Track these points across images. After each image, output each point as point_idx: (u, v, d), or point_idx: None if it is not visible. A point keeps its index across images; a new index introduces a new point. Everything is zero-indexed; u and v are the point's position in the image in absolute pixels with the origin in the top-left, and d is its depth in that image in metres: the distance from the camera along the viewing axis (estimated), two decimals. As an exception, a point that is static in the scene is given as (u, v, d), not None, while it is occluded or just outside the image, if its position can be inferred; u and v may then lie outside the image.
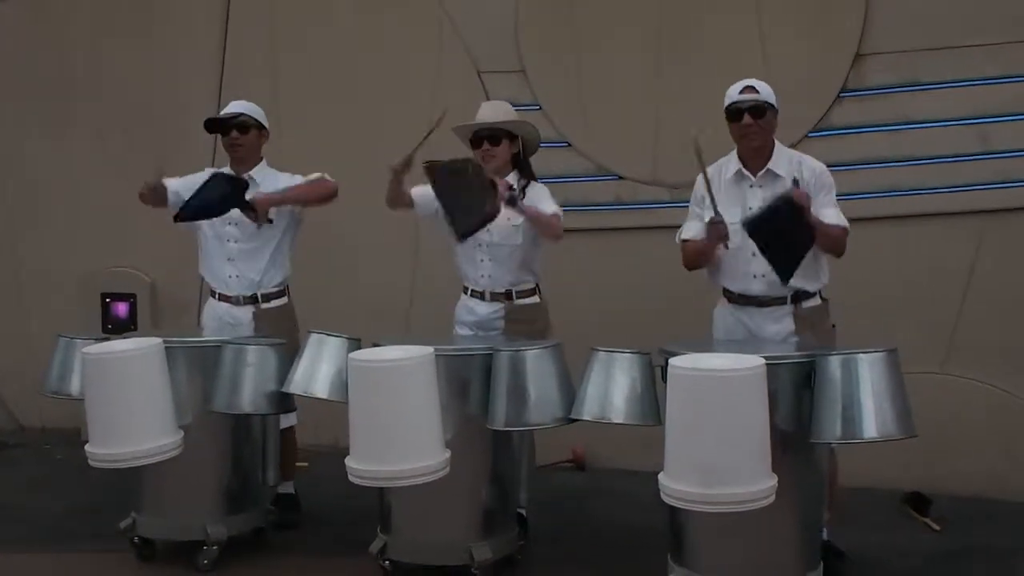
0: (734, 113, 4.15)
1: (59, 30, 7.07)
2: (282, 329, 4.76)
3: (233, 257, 4.92)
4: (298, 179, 4.95)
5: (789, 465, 3.54)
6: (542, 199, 4.61)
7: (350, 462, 3.77)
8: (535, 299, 4.76)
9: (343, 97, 6.51)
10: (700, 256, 4.25)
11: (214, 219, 4.84)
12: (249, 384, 4.30)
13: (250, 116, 4.97)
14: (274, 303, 4.95)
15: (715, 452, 3.29)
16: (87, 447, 4.17)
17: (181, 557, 4.47)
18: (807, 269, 4.04)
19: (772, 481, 3.36)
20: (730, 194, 4.18)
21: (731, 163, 4.24)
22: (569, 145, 6.07)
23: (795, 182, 4.04)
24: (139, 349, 4.24)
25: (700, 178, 4.17)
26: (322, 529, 4.95)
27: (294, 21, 6.67)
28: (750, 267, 4.14)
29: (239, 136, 4.92)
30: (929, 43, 5.42)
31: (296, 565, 4.53)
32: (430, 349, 3.82)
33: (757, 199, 4.12)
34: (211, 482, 4.50)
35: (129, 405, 4.15)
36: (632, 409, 3.80)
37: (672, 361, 3.44)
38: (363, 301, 6.13)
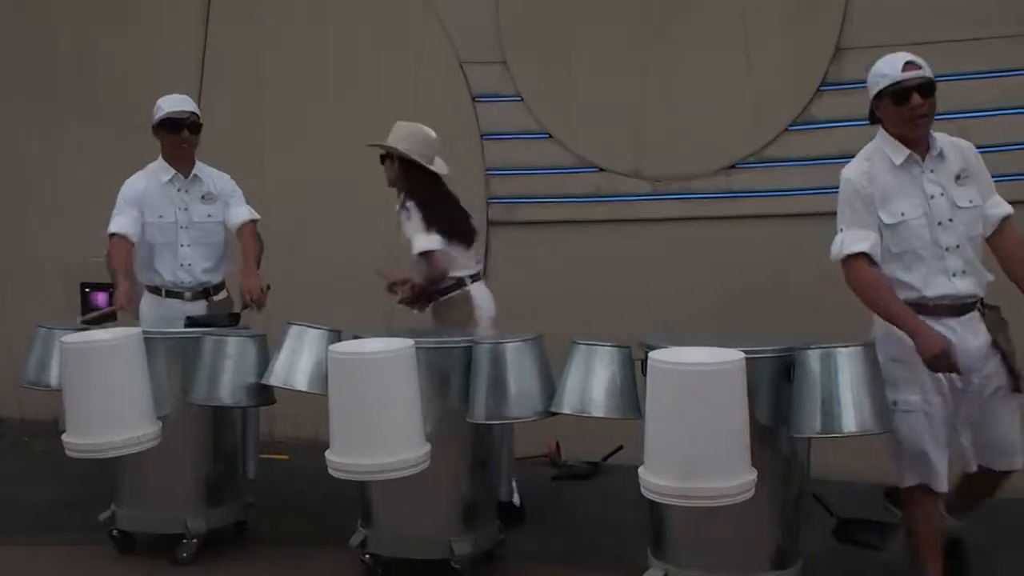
0: (900, 94, 3.62)
1: (43, 21, 7.03)
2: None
3: (186, 252, 4.96)
4: (229, 180, 5.08)
5: (768, 459, 3.55)
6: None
7: (330, 455, 3.75)
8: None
9: (325, 89, 6.49)
10: (880, 299, 3.62)
11: (163, 218, 4.91)
12: (229, 376, 4.28)
13: (199, 116, 4.97)
14: (222, 295, 5.01)
15: (694, 446, 3.28)
16: (64, 437, 4.13)
17: (161, 550, 4.46)
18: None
19: (752, 475, 3.37)
20: (904, 184, 3.69)
21: (892, 151, 3.71)
22: (550, 137, 6.07)
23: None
24: (117, 339, 4.21)
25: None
26: (303, 522, 4.95)
27: (276, 15, 6.64)
28: (946, 262, 3.67)
29: (191, 136, 4.91)
30: (909, 38, 5.40)
31: (277, 558, 4.52)
32: (410, 341, 3.81)
33: (934, 185, 3.67)
34: (190, 474, 4.49)
35: (107, 394, 4.11)
36: (612, 403, 3.79)
37: (652, 355, 3.44)
38: (343, 292, 6.12)
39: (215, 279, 5.07)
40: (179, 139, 4.90)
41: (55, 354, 4.46)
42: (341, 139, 5.99)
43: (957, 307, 3.65)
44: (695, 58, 5.60)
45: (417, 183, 4.85)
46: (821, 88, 5.60)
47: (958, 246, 3.65)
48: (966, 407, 3.69)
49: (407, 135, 4.90)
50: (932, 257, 3.65)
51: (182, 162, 4.97)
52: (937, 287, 3.64)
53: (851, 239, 3.66)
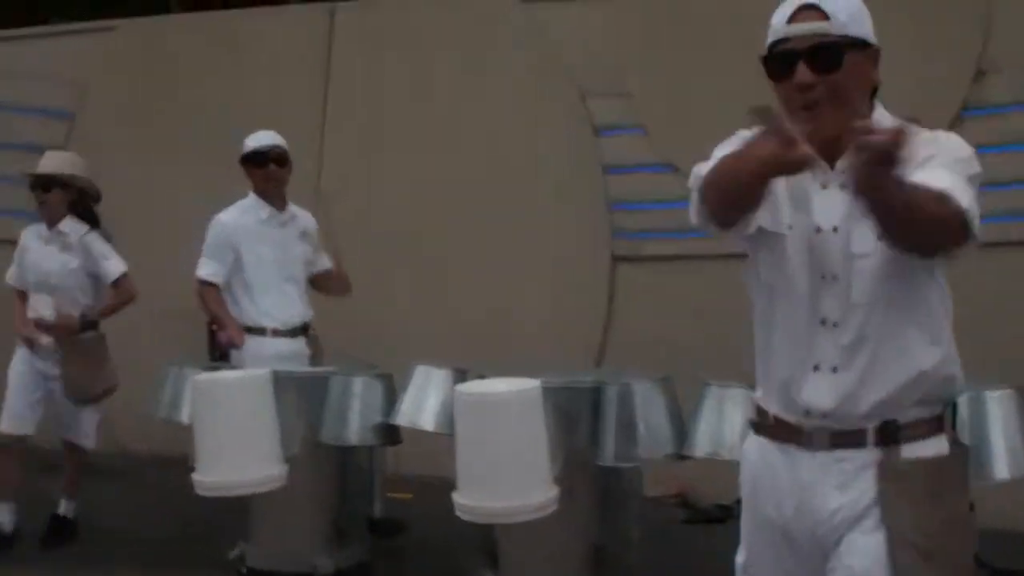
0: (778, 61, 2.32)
1: (167, 60, 7.24)
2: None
3: (287, 289, 4.98)
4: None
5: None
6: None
7: (457, 497, 3.69)
8: None
9: (445, 126, 6.50)
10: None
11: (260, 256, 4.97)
12: (356, 415, 4.29)
13: (284, 149, 4.98)
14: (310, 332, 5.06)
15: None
16: (194, 475, 4.19)
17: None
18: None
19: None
20: None
21: None
22: (675, 169, 5.96)
23: None
24: (248, 378, 4.27)
25: None
26: (426, 562, 4.90)
27: (395, 53, 6.70)
28: None
29: (277, 169, 4.94)
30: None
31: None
32: (536, 382, 3.74)
33: None
34: (318, 513, 4.50)
35: (236, 433, 4.16)
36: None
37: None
38: (462, 327, 6.09)
39: (308, 316, 5.04)
40: (265, 172, 4.93)
41: (186, 391, 4.54)
42: (459, 177, 5.99)
43: None
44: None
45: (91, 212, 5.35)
46: (962, 113, 5.36)
47: None
48: None
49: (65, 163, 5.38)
50: None
51: (274, 197, 4.98)
52: None
53: None
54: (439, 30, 6.68)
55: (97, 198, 5.49)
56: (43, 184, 5.31)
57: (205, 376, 4.31)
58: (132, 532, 5.48)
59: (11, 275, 5.52)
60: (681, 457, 3.83)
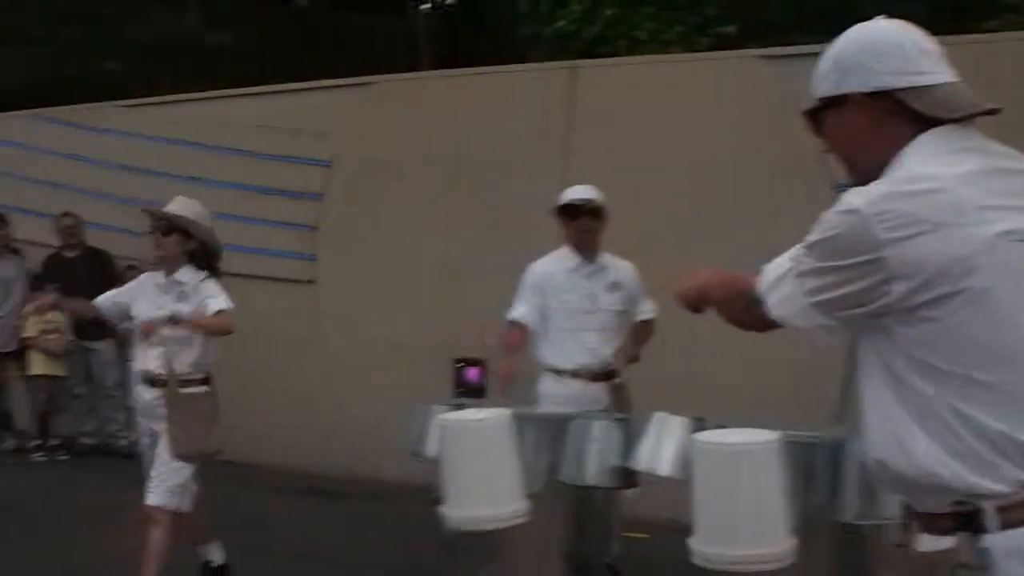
0: None
1: (420, 114, 7.66)
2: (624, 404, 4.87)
3: (590, 337, 5.10)
4: (634, 274, 5.33)
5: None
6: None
7: (694, 544, 3.75)
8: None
9: (690, 177, 6.60)
10: None
11: (567, 304, 5.12)
12: (594, 457, 4.42)
13: (599, 204, 5.11)
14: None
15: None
16: (443, 509, 4.39)
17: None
18: None
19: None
20: None
21: None
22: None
23: None
24: (490, 418, 4.45)
25: None
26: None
27: (635, 108, 6.86)
28: None
29: (590, 222, 5.08)
30: None
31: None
32: (776, 434, 3.77)
33: None
34: (556, 550, 4.63)
35: (479, 471, 4.36)
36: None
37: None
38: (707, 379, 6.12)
39: (616, 363, 5.18)
40: (577, 224, 5.12)
41: (432, 428, 4.78)
42: (704, 229, 6.06)
43: None
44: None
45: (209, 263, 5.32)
46: None
47: None
48: None
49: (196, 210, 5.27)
50: None
51: (584, 248, 5.17)
52: None
53: None
54: (678, 85, 6.80)
55: (216, 254, 5.36)
56: (163, 227, 5.19)
57: (450, 416, 4.53)
58: (357, 560, 5.76)
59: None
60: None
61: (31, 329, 8.55)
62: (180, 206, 5.19)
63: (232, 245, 8.22)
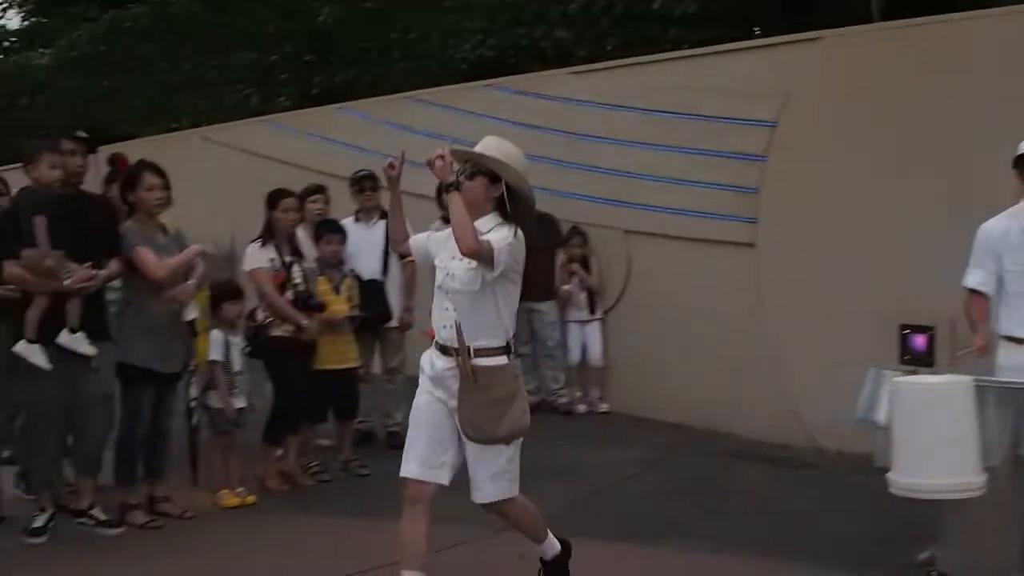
0: None
1: (872, 69, 7.39)
2: None
3: None
4: None
5: None
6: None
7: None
8: (500, 360, 4.25)
9: None
10: None
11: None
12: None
13: None
14: None
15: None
16: (889, 475, 4.31)
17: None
18: None
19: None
20: None
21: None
22: None
23: None
24: (948, 384, 4.29)
25: None
26: None
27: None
28: None
29: None
30: None
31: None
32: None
33: None
34: (1017, 528, 4.37)
35: (936, 438, 4.23)
36: None
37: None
38: None
39: None
40: None
41: (882, 393, 4.66)
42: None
43: None
44: None
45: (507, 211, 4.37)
46: None
47: None
48: None
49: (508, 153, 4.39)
50: None
51: None
52: None
53: None
54: None
55: (526, 203, 4.43)
56: (468, 171, 4.41)
57: (906, 380, 4.40)
58: (811, 526, 5.74)
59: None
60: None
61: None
62: (490, 146, 4.47)
63: (675, 208, 8.50)
